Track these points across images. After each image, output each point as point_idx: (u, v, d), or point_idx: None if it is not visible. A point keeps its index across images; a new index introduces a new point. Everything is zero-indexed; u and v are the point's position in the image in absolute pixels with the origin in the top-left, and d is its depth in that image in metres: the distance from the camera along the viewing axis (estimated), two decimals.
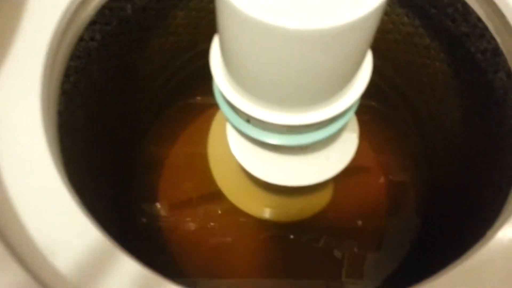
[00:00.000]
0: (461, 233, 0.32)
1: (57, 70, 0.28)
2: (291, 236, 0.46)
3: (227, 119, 0.26)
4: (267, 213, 0.37)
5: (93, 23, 0.32)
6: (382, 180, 0.48)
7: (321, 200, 0.38)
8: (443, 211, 0.39)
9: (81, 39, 0.31)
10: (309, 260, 0.46)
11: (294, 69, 0.19)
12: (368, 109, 0.44)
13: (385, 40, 0.39)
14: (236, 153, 0.28)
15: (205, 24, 0.40)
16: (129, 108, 0.42)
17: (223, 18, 0.19)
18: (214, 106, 0.50)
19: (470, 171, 0.34)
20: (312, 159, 0.28)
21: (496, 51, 0.29)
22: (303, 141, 0.24)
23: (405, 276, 0.42)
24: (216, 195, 0.45)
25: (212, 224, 0.46)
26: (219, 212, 0.46)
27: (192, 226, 0.46)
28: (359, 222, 0.47)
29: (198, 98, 0.49)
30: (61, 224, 0.23)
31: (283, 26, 0.16)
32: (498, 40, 0.27)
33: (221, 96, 0.24)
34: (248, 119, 0.23)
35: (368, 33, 0.19)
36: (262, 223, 0.45)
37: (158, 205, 0.47)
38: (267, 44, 0.18)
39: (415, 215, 0.46)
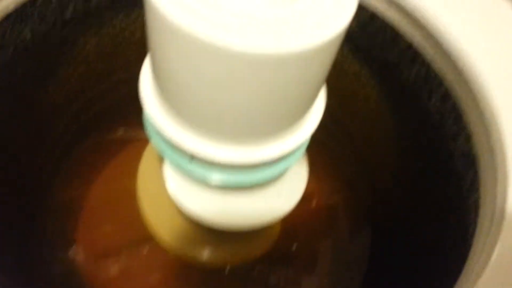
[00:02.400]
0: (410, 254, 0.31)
1: None
2: (227, 268, 0.43)
3: (164, 158, 0.22)
4: (208, 258, 0.33)
5: None
6: (316, 204, 0.47)
7: (267, 240, 0.36)
8: (389, 229, 0.39)
9: None
10: None
11: (243, 96, 0.16)
12: None
13: None
14: (173, 193, 0.24)
15: (121, 51, 0.36)
16: (33, 148, 0.36)
17: (156, 34, 0.15)
18: (138, 140, 0.45)
19: (410, 195, 0.34)
20: (263, 197, 0.25)
21: (428, 77, 0.29)
22: (259, 178, 0.21)
23: None
24: (143, 238, 0.40)
25: (138, 267, 0.41)
26: (145, 253, 0.42)
27: (115, 270, 0.41)
28: (294, 246, 0.45)
29: (120, 132, 0.44)
30: None
31: (231, 48, 0.14)
32: (433, 65, 0.27)
33: (156, 132, 0.21)
34: (192, 156, 0.20)
35: (329, 59, 0.17)
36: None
37: (75, 252, 0.41)
38: (213, 67, 0.15)
39: (352, 236, 0.46)
